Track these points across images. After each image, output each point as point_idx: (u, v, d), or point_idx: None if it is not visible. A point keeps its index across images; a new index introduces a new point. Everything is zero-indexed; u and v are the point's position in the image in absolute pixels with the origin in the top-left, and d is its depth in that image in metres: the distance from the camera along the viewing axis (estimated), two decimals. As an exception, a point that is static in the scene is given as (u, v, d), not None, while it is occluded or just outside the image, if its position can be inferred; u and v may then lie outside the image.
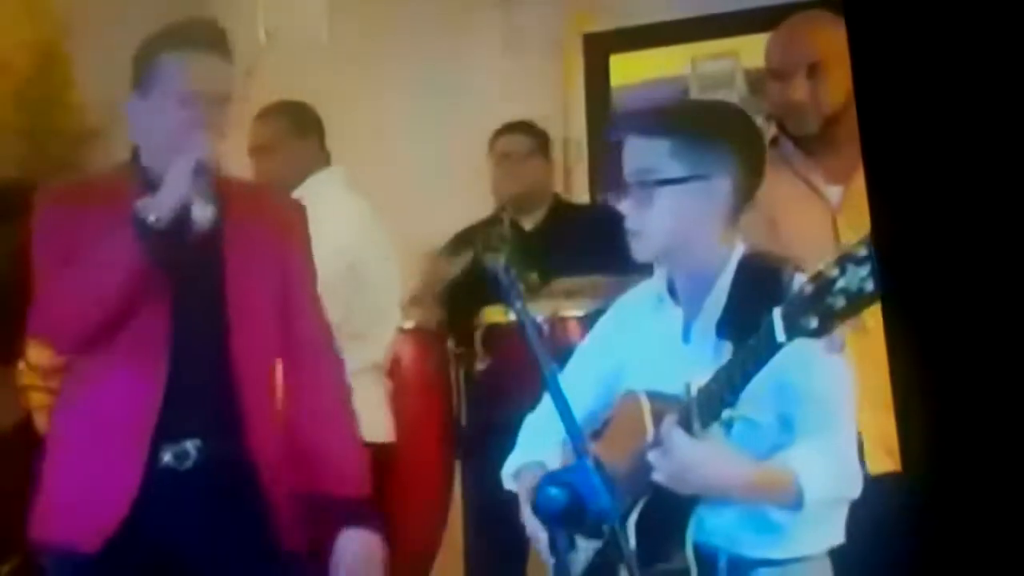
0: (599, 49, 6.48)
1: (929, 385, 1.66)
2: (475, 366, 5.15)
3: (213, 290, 3.42)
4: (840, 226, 3.63)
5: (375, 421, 4.89)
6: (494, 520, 4.97)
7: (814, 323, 2.61)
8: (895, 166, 1.68)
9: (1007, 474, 1.63)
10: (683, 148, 2.99)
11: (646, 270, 3.74)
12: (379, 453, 4.68)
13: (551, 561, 2.88)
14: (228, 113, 3.43)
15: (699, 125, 3.05)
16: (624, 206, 3.04)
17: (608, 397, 3.18)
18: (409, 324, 5.27)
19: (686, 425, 2.81)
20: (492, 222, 5.40)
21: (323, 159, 5.15)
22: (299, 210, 3.71)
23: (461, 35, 6.46)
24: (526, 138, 5.67)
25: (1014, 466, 1.62)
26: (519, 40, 6.43)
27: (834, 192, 3.69)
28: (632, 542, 2.92)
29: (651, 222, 3.01)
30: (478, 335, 5.13)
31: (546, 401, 3.23)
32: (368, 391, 4.82)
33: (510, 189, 5.52)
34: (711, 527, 2.94)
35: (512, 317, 3.24)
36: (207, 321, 3.40)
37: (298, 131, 5.13)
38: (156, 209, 3.27)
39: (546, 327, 4.95)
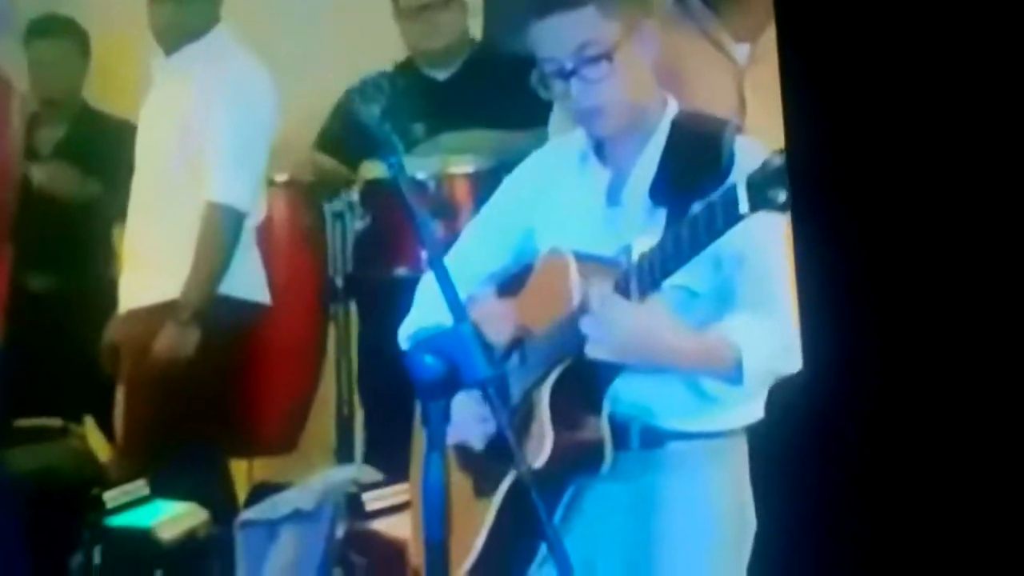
0: None
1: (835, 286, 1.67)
2: (353, 223, 4.99)
3: None
4: (746, 85, 3.53)
5: (250, 280, 4.76)
6: (372, 382, 5.03)
7: (782, 197, 2.51)
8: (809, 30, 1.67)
9: (909, 378, 1.65)
10: (607, 6, 2.88)
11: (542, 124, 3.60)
12: (254, 313, 4.75)
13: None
14: None
15: None
16: (574, 89, 2.89)
17: (518, 256, 3.06)
18: (282, 177, 5.07)
19: (623, 291, 2.69)
20: (401, 69, 5.11)
21: (218, 13, 4.93)
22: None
23: None
24: None
25: (915, 370, 1.65)
26: None
27: (740, 50, 3.58)
28: (546, 409, 2.82)
29: (610, 95, 2.88)
30: (356, 190, 4.97)
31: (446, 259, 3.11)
32: (243, 250, 4.70)
33: (430, 44, 5.19)
34: (627, 397, 2.84)
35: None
36: None
37: None
38: None
39: (432, 184, 4.80)
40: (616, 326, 2.70)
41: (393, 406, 4.74)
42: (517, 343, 2.93)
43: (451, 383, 2.50)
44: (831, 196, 1.67)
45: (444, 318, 2.90)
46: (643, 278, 2.68)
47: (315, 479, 4.45)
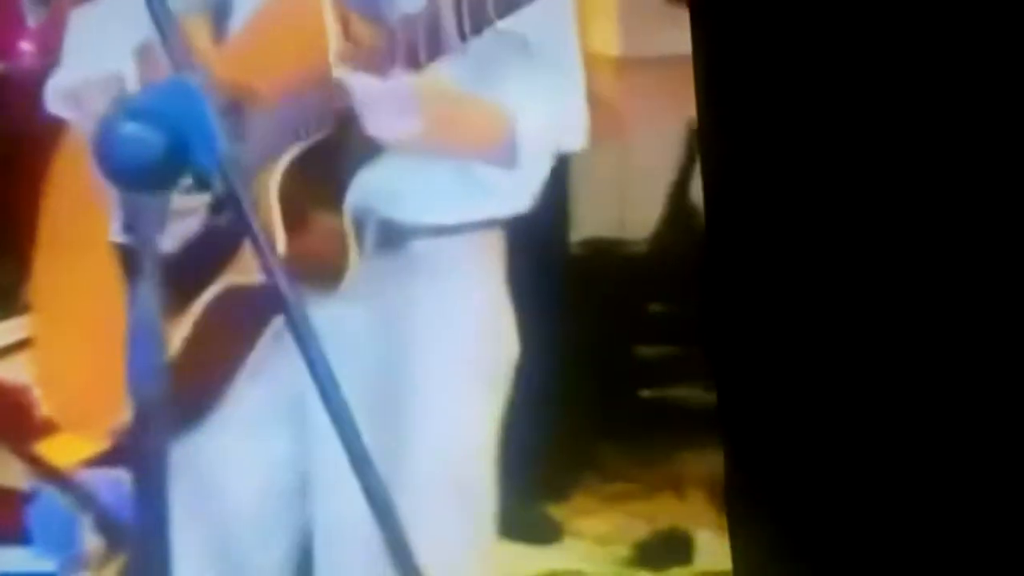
0: None
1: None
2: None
3: None
4: None
5: None
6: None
7: None
8: None
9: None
10: None
11: None
12: None
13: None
14: None
15: None
16: None
17: None
18: None
19: (411, 51, 2.22)
20: None
21: None
22: None
23: None
24: None
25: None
26: None
27: None
28: (275, 201, 2.33)
29: None
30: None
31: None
32: None
33: None
34: (367, 186, 2.39)
35: None
36: None
37: None
38: None
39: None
40: (412, 97, 2.24)
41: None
42: (232, 108, 2.28)
43: (175, 164, 1.64)
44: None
45: (121, 66, 2.36)
46: (433, 38, 2.21)
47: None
